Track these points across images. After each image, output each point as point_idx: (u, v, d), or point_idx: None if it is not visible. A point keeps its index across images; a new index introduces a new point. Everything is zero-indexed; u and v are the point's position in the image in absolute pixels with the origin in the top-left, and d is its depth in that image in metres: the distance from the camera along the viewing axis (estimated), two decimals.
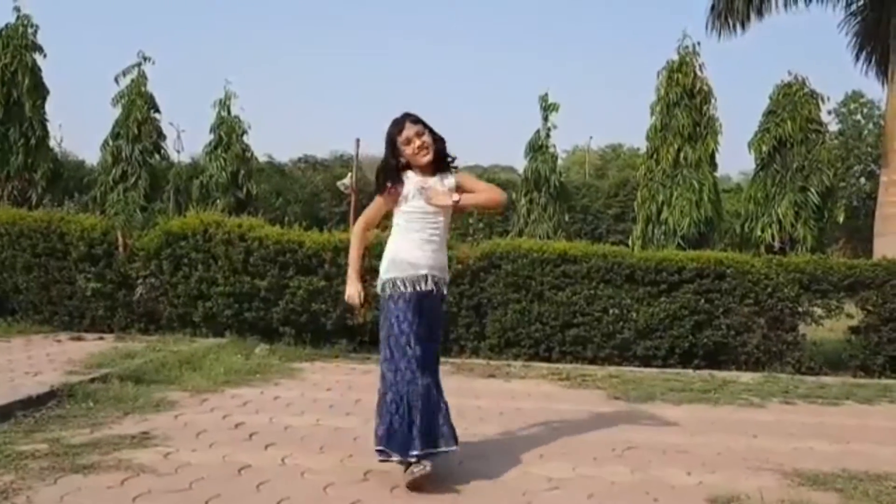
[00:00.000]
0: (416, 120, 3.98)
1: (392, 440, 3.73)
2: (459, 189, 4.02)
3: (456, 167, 4.12)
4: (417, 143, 3.92)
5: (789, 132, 13.51)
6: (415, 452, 3.66)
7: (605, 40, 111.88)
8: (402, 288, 3.87)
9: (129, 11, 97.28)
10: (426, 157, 3.95)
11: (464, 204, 4.02)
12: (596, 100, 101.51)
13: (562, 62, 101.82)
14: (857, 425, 5.78)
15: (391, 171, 3.98)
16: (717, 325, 8.42)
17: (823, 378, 7.96)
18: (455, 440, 3.88)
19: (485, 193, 4.13)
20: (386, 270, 3.94)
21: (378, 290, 3.99)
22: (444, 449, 3.81)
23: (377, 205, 4.11)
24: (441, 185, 3.98)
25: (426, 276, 3.91)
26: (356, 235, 4.22)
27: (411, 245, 3.93)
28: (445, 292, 4.08)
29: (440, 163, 4.03)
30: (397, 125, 3.97)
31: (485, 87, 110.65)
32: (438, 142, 4.00)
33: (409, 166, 3.99)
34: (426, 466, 3.65)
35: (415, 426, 3.72)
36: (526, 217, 15.65)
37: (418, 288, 3.88)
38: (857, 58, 17.81)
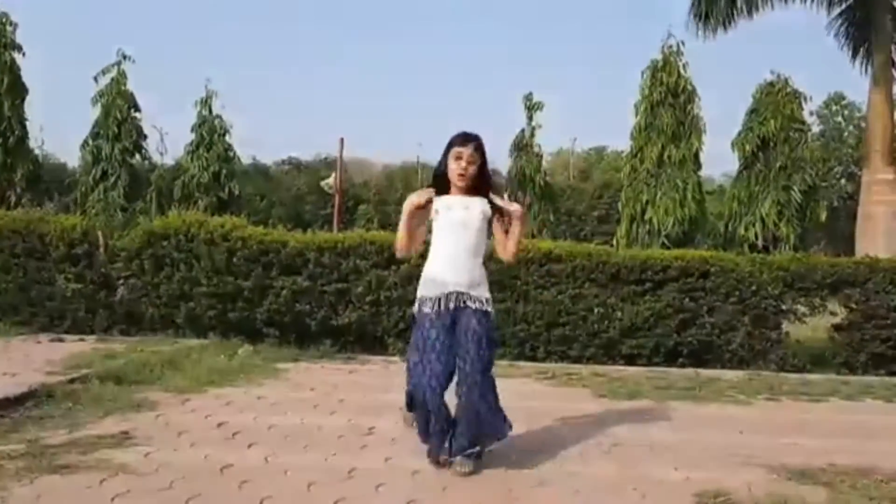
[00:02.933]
0: (479, 147, 4.10)
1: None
2: (496, 213, 4.15)
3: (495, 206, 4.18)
4: (463, 164, 4.05)
5: (772, 131, 13.60)
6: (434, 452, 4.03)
7: (590, 42, 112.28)
8: (428, 306, 4.02)
9: (112, 18, 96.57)
10: (460, 181, 4.08)
11: (514, 233, 4.19)
12: (580, 102, 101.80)
13: (545, 64, 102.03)
14: (843, 421, 5.79)
15: (436, 175, 4.19)
16: (702, 324, 8.43)
17: (807, 375, 7.97)
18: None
19: (519, 229, 4.24)
20: (420, 290, 4.13)
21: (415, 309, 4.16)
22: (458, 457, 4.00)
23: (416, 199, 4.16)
24: (478, 209, 4.10)
25: (455, 293, 4.02)
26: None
27: (444, 264, 4.08)
28: (484, 308, 4.07)
29: (476, 191, 4.13)
30: (458, 138, 4.12)
31: (469, 87, 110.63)
32: (483, 177, 4.13)
33: (447, 183, 4.13)
34: (465, 466, 3.95)
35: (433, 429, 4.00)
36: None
37: (450, 304, 4.01)
38: (854, 59, 17.93)
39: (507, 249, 4.21)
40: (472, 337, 3.98)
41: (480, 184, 4.13)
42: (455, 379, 3.98)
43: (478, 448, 4.05)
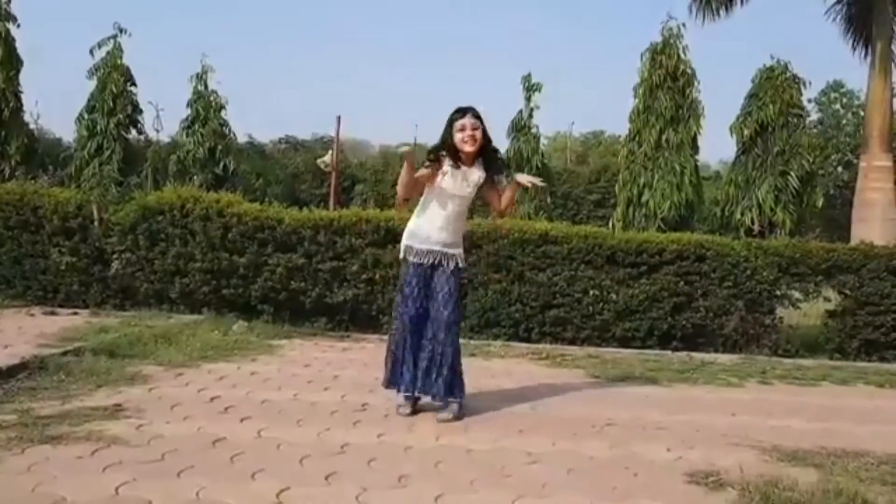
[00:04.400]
0: (477, 116, 4.58)
1: (391, 375, 4.75)
2: (488, 184, 4.75)
3: (502, 174, 5.00)
4: (469, 132, 4.52)
5: (771, 116, 13.54)
6: (400, 390, 4.69)
7: (588, 25, 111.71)
8: (415, 256, 4.62)
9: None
10: (469, 147, 4.54)
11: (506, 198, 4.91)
12: (578, 85, 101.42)
13: (543, 47, 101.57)
14: (835, 405, 5.82)
15: (441, 145, 4.60)
16: (696, 308, 8.43)
17: (800, 360, 8.00)
18: (452, 394, 4.66)
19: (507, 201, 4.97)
20: (406, 237, 4.71)
21: (400, 254, 4.75)
22: (430, 399, 4.72)
23: (421, 171, 4.62)
24: (469, 175, 4.63)
25: (439, 251, 4.62)
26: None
27: (432, 222, 4.63)
28: (461, 265, 4.75)
29: (482, 159, 4.67)
30: (460, 112, 4.57)
31: (466, 68, 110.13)
32: (488, 143, 4.64)
33: (455, 153, 4.57)
34: (451, 412, 4.60)
35: (405, 367, 4.65)
36: None
37: (430, 260, 4.62)
38: (854, 47, 17.86)
39: (501, 205, 4.90)
40: (446, 294, 4.63)
41: (487, 149, 4.65)
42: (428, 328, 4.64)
43: (459, 399, 4.65)
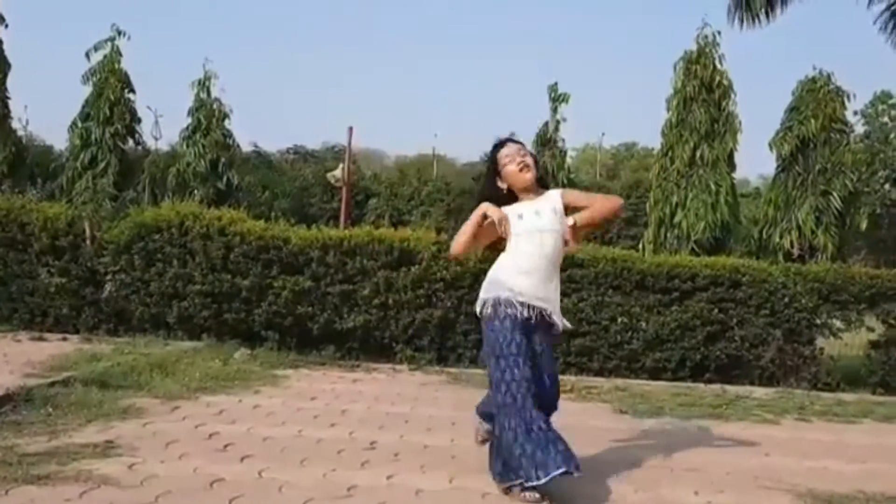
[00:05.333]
0: (515, 141, 4.19)
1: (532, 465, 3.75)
2: (568, 209, 4.06)
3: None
4: (519, 159, 4.03)
5: (812, 131, 13.47)
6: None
7: (621, 31, 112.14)
8: (507, 309, 3.92)
9: None
10: (529, 174, 4.03)
11: (581, 225, 4.03)
12: (609, 95, 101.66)
13: (573, 54, 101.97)
14: (876, 444, 5.80)
15: (489, 195, 4.07)
16: (731, 337, 8.41)
17: (841, 395, 7.98)
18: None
19: (599, 203, 4.18)
20: (490, 288, 4.04)
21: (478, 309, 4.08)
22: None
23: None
24: (549, 209, 4.01)
25: (532, 306, 3.95)
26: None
27: (514, 271, 3.98)
28: (558, 332, 4.12)
29: (542, 188, 4.14)
30: (497, 146, 4.14)
31: (491, 77, 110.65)
32: (536, 163, 4.15)
33: (511, 195, 4.07)
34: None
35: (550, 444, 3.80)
36: None
37: (521, 315, 3.93)
38: None
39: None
40: (547, 361, 4.06)
41: (543, 178, 4.24)
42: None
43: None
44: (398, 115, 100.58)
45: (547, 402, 3.99)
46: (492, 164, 4.14)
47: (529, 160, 4.06)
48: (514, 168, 4.02)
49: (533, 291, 3.94)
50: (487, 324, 3.97)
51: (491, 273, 4.08)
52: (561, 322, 4.06)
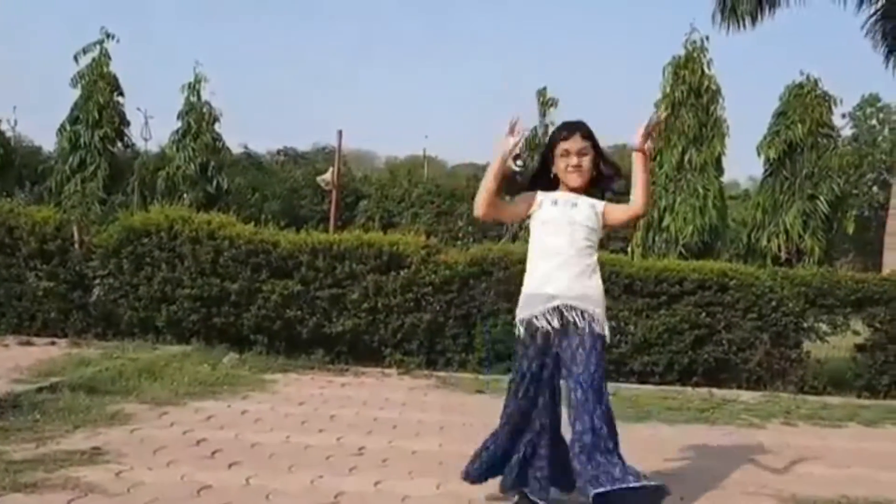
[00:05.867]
0: (588, 135, 3.75)
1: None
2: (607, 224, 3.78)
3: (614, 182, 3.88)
4: (574, 160, 3.69)
5: (799, 136, 13.57)
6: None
7: (612, 30, 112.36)
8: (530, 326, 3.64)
9: None
10: (577, 181, 3.72)
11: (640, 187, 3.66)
12: (600, 96, 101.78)
13: (565, 55, 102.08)
14: (860, 449, 5.86)
15: (537, 176, 3.84)
16: (719, 341, 8.45)
17: (827, 398, 8.04)
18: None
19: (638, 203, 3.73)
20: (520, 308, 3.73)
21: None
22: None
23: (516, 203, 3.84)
24: (587, 205, 3.71)
25: (557, 307, 3.58)
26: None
27: (538, 271, 3.69)
28: (597, 330, 3.60)
29: (593, 191, 3.80)
30: (564, 130, 3.77)
31: (481, 79, 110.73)
32: (602, 170, 3.79)
33: (556, 183, 3.79)
34: None
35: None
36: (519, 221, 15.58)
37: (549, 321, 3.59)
38: (887, 61, 17.84)
39: (639, 201, 3.68)
40: (582, 360, 3.56)
41: (599, 179, 3.79)
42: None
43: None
44: (389, 116, 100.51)
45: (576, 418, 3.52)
46: (549, 146, 3.82)
47: (585, 163, 3.70)
48: (562, 166, 3.71)
49: (558, 289, 3.59)
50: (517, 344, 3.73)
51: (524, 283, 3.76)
52: (601, 326, 3.62)
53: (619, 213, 3.75)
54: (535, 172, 3.88)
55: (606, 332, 3.64)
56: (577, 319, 3.57)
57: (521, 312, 3.67)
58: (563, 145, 3.71)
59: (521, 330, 3.67)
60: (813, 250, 13.15)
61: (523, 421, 3.72)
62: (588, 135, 3.74)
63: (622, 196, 3.84)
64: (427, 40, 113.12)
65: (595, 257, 3.70)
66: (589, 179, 3.75)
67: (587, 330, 3.57)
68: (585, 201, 3.71)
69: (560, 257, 3.63)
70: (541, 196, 3.73)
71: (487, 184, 3.69)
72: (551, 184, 3.79)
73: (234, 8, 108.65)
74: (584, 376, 3.52)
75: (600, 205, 3.74)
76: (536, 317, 3.60)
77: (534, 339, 3.63)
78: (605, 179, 3.81)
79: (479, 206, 3.73)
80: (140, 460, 4.21)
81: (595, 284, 3.69)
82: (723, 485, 4.52)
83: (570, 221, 3.65)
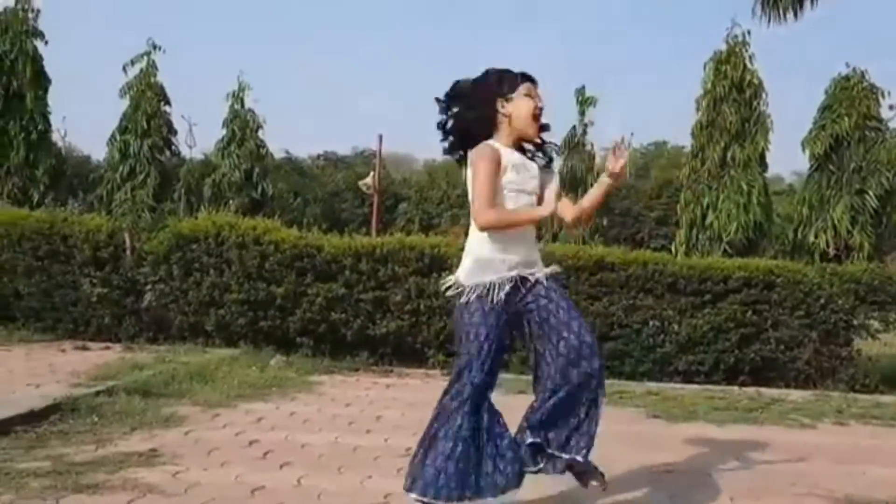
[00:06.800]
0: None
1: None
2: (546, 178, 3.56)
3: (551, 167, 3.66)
4: (540, 103, 3.47)
5: (846, 129, 13.32)
6: None
7: (651, 24, 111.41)
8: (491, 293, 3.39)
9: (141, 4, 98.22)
10: (533, 125, 3.48)
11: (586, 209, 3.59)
12: (639, 91, 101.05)
13: (604, 48, 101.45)
14: None
15: (478, 119, 3.48)
16: (766, 339, 8.37)
17: (879, 397, 7.91)
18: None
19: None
20: (470, 272, 3.47)
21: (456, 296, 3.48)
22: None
23: (486, 173, 3.37)
24: (528, 170, 3.49)
25: (526, 275, 3.47)
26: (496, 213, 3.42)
27: (499, 237, 3.44)
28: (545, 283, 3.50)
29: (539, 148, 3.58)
30: (517, 74, 3.49)
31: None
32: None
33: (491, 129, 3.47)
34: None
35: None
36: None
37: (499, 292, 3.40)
38: None
39: (569, 213, 3.63)
40: (569, 311, 3.45)
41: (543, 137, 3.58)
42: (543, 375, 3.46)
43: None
44: (427, 118, 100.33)
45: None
46: (500, 80, 3.47)
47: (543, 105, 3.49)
48: (526, 109, 3.43)
49: (523, 258, 3.49)
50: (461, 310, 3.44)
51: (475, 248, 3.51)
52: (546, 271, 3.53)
53: (565, 206, 3.60)
54: (478, 117, 3.49)
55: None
56: (539, 281, 3.49)
57: (475, 277, 3.42)
58: (528, 86, 3.47)
59: (471, 297, 3.40)
60: (862, 246, 12.89)
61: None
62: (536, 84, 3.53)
63: None
64: (465, 40, 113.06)
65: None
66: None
67: (553, 287, 3.51)
68: (532, 165, 3.51)
69: (518, 229, 3.47)
70: (504, 158, 3.41)
71: (515, 221, 3.45)
72: (490, 131, 3.48)
73: (276, 15, 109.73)
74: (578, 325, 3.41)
75: (553, 180, 3.56)
76: (495, 283, 3.39)
77: (493, 305, 3.38)
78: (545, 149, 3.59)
79: (491, 222, 3.41)
80: (195, 461, 4.32)
81: (538, 251, 3.64)
82: (773, 485, 4.49)
83: (529, 191, 3.47)
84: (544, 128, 3.55)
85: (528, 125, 3.46)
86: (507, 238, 3.43)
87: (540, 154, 3.58)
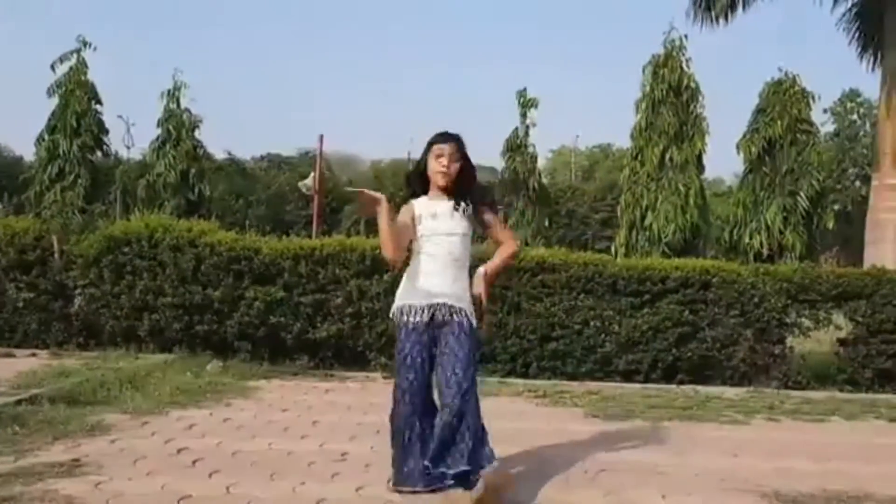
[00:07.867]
0: (460, 146, 4.14)
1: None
2: (480, 215, 4.20)
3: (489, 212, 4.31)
4: (444, 161, 4.08)
5: (779, 132, 13.64)
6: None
7: (596, 28, 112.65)
8: (412, 316, 4.05)
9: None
10: (443, 180, 4.10)
11: (492, 273, 4.22)
12: (584, 95, 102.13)
13: (549, 53, 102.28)
14: (842, 443, 5.90)
15: (413, 174, 4.29)
16: (702, 338, 8.47)
17: (810, 393, 8.09)
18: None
19: (508, 248, 4.34)
20: (400, 296, 4.16)
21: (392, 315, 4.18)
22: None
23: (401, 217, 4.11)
24: (452, 212, 4.10)
25: (441, 304, 4.03)
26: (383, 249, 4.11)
27: (425, 271, 4.08)
28: (471, 321, 4.07)
29: (458, 195, 4.15)
30: (439, 136, 4.16)
31: (463, 79, 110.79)
32: (467, 178, 4.16)
33: (427, 186, 4.18)
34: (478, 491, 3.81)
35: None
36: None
37: (426, 316, 4.04)
38: (861, 57, 17.96)
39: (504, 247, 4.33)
40: (458, 353, 4.00)
41: (463, 184, 4.15)
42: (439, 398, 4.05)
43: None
44: (373, 119, 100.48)
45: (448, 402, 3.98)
46: (427, 148, 4.17)
47: (454, 169, 4.09)
48: (435, 165, 4.11)
49: (440, 289, 4.04)
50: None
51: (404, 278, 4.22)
52: (470, 318, 4.06)
53: (498, 233, 4.38)
54: (414, 170, 4.29)
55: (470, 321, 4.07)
56: (453, 315, 4.04)
57: (401, 299, 4.13)
58: (438, 147, 4.12)
59: (397, 314, 4.11)
60: (794, 246, 13.20)
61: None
62: (460, 146, 4.14)
63: None
64: (410, 43, 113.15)
65: (468, 261, 4.16)
66: (454, 183, 4.11)
67: (462, 322, 4.05)
68: (457, 213, 4.10)
69: (438, 264, 4.06)
70: (418, 209, 4.13)
71: (384, 235, 3.95)
72: (425, 183, 4.18)
73: (215, 14, 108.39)
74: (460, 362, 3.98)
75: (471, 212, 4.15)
76: (414, 307, 4.04)
77: (414, 325, 4.04)
78: (466, 183, 4.16)
79: (389, 251, 4.00)
80: (120, 471, 4.19)
81: (465, 285, 4.13)
82: (705, 481, 4.54)
83: (442, 232, 4.08)
84: (459, 180, 4.13)
85: (437, 180, 4.12)
86: (424, 271, 4.08)
87: (464, 202, 4.14)
